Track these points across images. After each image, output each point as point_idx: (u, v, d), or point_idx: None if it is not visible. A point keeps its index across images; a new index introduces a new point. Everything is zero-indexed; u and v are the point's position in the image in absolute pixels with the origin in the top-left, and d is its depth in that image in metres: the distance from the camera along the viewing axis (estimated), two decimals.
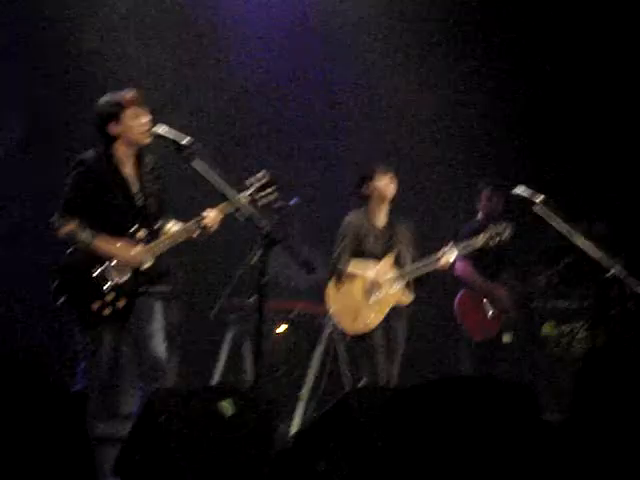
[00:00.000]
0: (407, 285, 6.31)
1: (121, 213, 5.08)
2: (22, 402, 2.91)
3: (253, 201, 5.19)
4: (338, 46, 8.31)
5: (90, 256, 5.01)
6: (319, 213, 8.38)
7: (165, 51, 7.94)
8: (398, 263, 6.34)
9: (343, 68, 8.41)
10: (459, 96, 8.21)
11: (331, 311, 6.29)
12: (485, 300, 7.26)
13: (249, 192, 5.19)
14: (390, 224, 6.42)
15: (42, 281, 5.79)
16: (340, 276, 6.28)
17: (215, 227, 5.13)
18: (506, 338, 7.80)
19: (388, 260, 6.33)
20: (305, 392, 7.14)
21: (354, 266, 6.29)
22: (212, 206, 5.13)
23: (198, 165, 4.86)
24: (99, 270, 5.02)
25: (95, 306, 4.99)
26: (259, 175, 5.24)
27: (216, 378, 7.20)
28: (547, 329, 8.01)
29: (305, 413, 7.04)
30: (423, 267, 6.30)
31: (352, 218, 6.38)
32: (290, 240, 5.08)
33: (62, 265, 5.05)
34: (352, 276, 6.28)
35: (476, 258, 7.18)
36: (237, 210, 4.96)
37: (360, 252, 6.30)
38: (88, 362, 5.02)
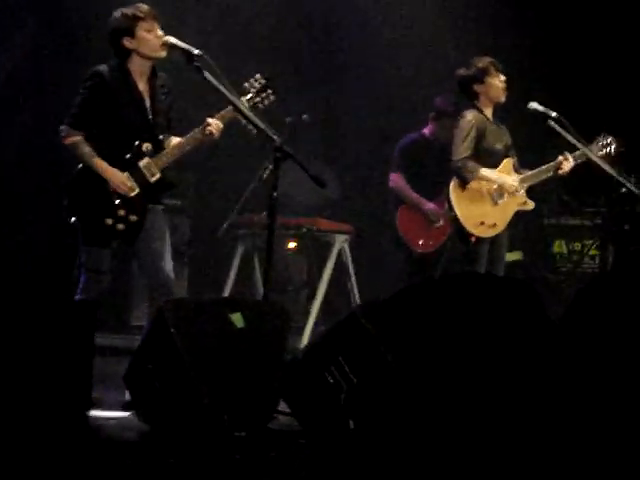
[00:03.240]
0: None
1: (132, 127, 5.05)
2: (29, 310, 2.90)
3: (254, 105, 5.15)
4: None
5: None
6: (330, 129, 8.35)
7: None
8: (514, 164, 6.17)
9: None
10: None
11: (457, 214, 6.04)
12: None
13: (249, 95, 5.15)
14: (497, 124, 6.20)
15: (46, 196, 5.79)
16: (466, 178, 6.02)
17: (218, 134, 5.07)
18: (516, 256, 7.79)
19: (508, 163, 6.15)
20: (315, 307, 7.17)
21: (478, 167, 6.04)
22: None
23: (208, 75, 4.81)
24: (108, 186, 5.01)
25: (109, 221, 4.99)
26: (257, 76, 5.19)
27: (227, 292, 7.23)
28: (558, 247, 8.02)
29: (315, 327, 7.09)
30: (544, 173, 6.11)
31: (471, 116, 6.08)
32: (301, 155, 5.01)
33: (72, 181, 5.06)
34: (486, 177, 6.04)
35: (414, 171, 7.14)
36: (248, 122, 4.91)
37: (480, 149, 6.06)
38: (91, 277, 5.02)
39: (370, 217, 7.94)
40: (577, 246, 7.92)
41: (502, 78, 6.09)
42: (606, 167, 5.80)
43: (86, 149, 4.99)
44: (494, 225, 6.05)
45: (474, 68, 6.09)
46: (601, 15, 7.97)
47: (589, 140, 6.06)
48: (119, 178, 5.01)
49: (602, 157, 5.99)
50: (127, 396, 4.75)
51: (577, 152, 5.99)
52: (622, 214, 6.71)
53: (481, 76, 6.08)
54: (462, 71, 6.15)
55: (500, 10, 8.09)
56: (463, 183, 6.04)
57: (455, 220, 6.07)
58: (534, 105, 5.95)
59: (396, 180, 7.20)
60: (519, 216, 6.27)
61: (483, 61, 6.09)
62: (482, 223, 6.03)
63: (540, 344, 2.91)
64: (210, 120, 5.04)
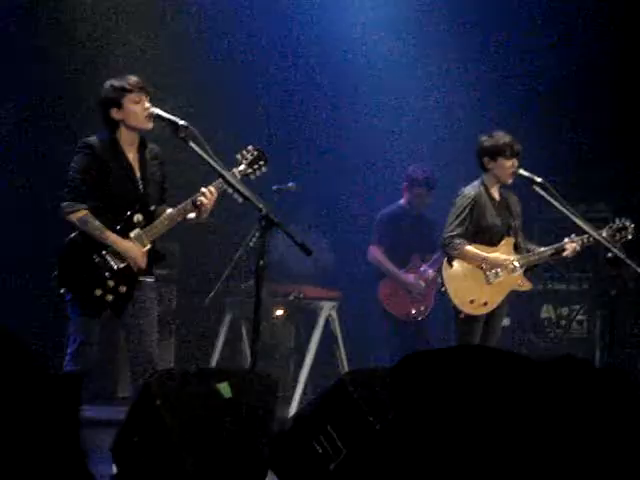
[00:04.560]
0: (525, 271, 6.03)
1: (123, 198, 5.07)
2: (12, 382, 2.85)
3: (246, 175, 5.18)
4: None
5: (89, 243, 5.00)
6: (319, 196, 8.38)
7: (161, 37, 7.93)
8: (516, 242, 6.07)
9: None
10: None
11: (447, 289, 5.97)
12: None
13: (242, 167, 5.18)
14: (502, 196, 6.11)
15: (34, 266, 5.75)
16: (450, 254, 5.95)
17: (210, 207, 5.08)
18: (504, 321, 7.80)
19: (509, 241, 6.05)
20: (303, 375, 7.12)
21: (474, 245, 5.97)
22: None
23: (194, 146, 4.83)
24: (99, 256, 5.00)
25: (98, 292, 4.97)
26: (249, 148, 5.23)
27: (214, 361, 7.18)
28: (546, 312, 8.00)
29: (303, 396, 7.03)
30: (546, 254, 6.03)
31: (468, 193, 6.00)
32: (296, 224, 5.03)
33: (63, 252, 5.04)
34: (471, 255, 5.96)
35: (393, 240, 7.23)
36: (235, 191, 4.92)
37: (479, 226, 5.98)
38: (79, 347, 5.00)
39: (360, 284, 7.94)
40: (564, 311, 7.92)
41: (515, 163, 5.95)
42: (592, 232, 5.83)
43: (96, 223, 4.97)
44: (485, 304, 5.97)
45: (492, 142, 5.97)
46: None
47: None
48: (135, 252, 5.01)
49: (613, 240, 5.89)
50: (114, 469, 4.69)
51: (584, 236, 5.91)
52: (609, 279, 6.71)
53: (494, 153, 5.97)
54: (482, 139, 6.03)
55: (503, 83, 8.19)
56: (449, 259, 6.01)
57: (445, 294, 6.04)
58: (520, 171, 5.97)
59: (374, 253, 7.30)
60: None
61: (503, 139, 5.97)
62: (472, 301, 5.95)
63: (533, 421, 2.87)
64: (204, 190, 5.05)
